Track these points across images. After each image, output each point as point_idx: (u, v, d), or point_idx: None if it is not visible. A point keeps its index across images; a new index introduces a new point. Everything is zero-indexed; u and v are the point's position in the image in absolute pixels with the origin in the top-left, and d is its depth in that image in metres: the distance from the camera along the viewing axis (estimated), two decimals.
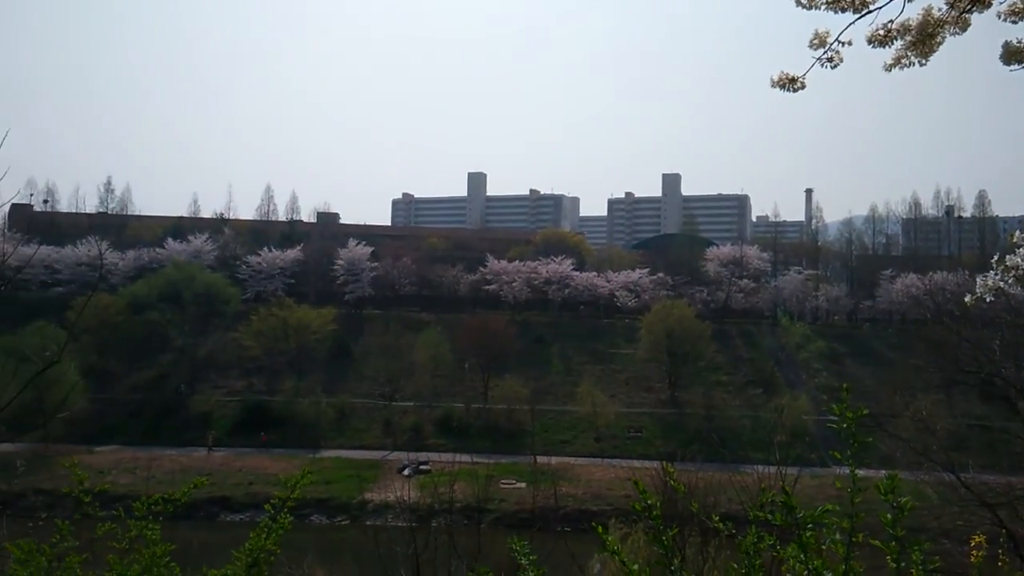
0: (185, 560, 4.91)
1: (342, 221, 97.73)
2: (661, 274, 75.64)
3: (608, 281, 75.89)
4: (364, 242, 77.52)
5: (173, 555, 4.66)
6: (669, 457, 16.50)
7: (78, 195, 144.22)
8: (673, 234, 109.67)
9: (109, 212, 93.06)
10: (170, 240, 76.40)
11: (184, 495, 5.83)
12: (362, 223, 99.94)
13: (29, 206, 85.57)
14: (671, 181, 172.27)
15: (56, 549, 5.13)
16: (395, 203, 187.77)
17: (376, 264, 75.31)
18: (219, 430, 54.32)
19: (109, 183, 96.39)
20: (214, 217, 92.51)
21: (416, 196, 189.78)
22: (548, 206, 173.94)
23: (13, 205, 69.58)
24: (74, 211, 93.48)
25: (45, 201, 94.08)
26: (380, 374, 57.49)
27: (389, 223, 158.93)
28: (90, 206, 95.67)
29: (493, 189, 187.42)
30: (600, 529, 3.72)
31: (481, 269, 76.61)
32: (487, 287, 75.59)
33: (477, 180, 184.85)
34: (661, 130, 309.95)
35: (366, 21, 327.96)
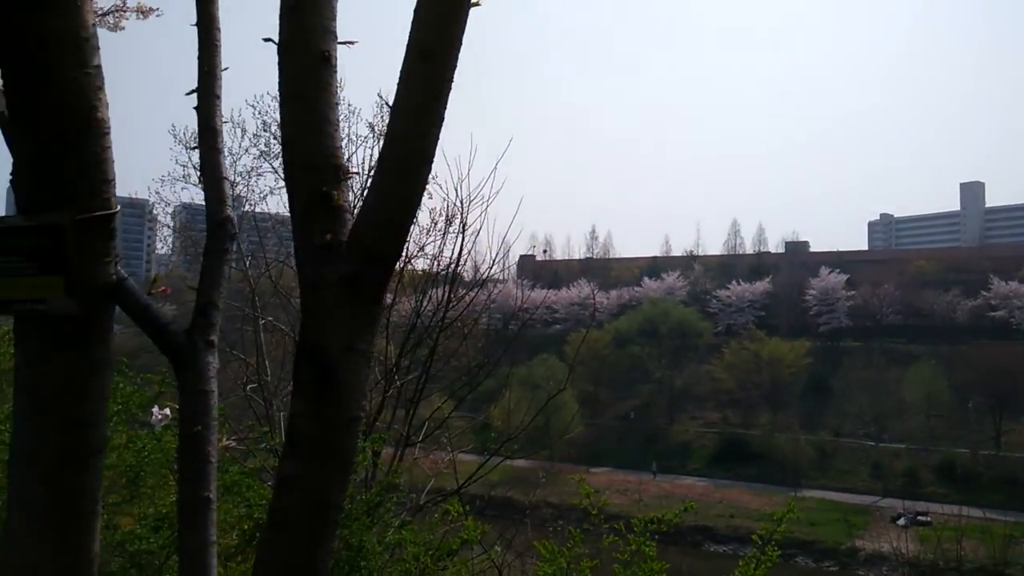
0: None
1: (812, 249, 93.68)
2: None
3: None
4: (837, 269, 73.02)
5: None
6: None
7: (569, 244, 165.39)
8: None
9: (594, 256, 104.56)
10: (646, 279, 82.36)
11: (675, 516, 6.18)
12: (834, 249, 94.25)
13: (532, 256, 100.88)
14: None
15: (572, 553, 5.88)
16: (871, 225, 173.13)
17: (852, 292, 70.22)
18: (697, 460, 56.09)
19: (593, 231, 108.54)
20: (684, 255, 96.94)
21: (896, 215, 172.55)
22: None
23: (521, 256, 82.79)
24: (566, 258, 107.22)
25: (544, 251, 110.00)
26: (864, 412, 53.09)
27: (865, 247, 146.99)
28: (579, 252, 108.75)
29: (993, 199, 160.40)
30: None
31: (983, 293, 65.90)
32: (992, 313, 64.60)
33: (972, 191, 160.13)
34: None
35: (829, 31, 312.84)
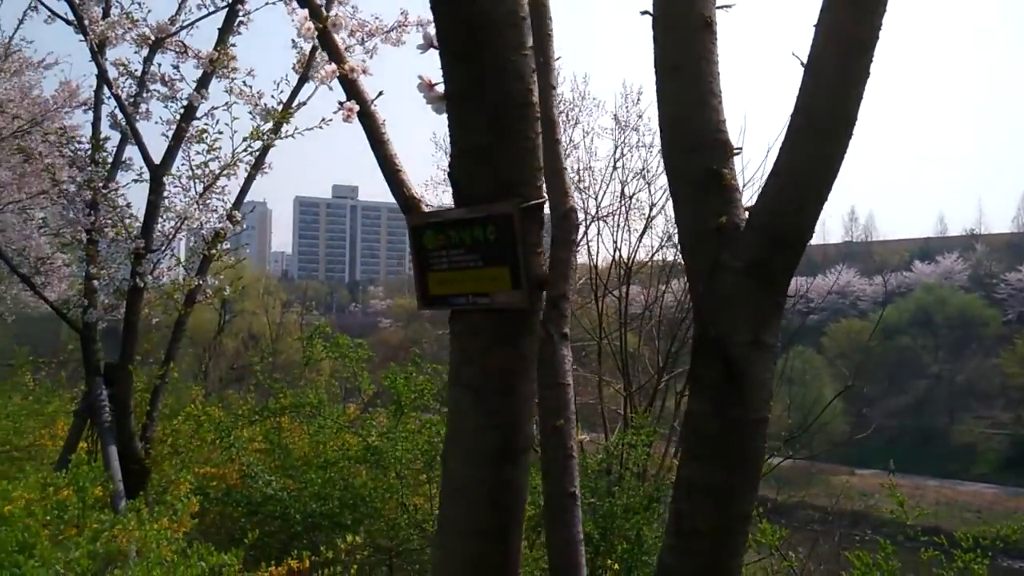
0: None
1: None
2: None
3: None
4: None
5: None
6: None
7: (824, 228, 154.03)
8: None
9: (854, 240, 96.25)
10: (917, 262, 74.34)
11: (1014, 533, 5.36)
12: None
13: None
14: None
15: (889, 567, 5.30)
16: None
17: None
18: (984, 465, 49.67)
19: (852, 212, 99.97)
20: (963, 234, 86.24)
21: None
22: None
23: None
24: (821, 243, 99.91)
25: None
26: None
27: None
28: (836, 236, 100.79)
29: None
30: None
31: None
32: None
33: None
34: None
35: None
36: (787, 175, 1.55)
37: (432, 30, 1.46)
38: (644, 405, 9.56)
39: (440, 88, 1.55)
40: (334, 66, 2.32)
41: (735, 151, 1.68)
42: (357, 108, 2.29)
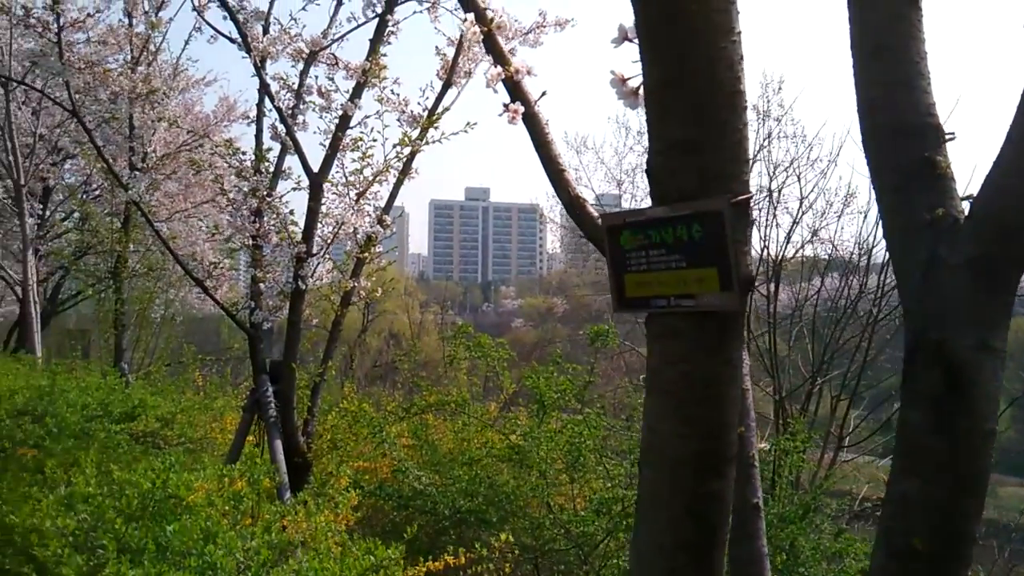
0: None
1: None
2: None
3: None
4: None
5: None
6: None
7: None
8: None
9: None
10: None
11: None
12: None
13: None
14: None
15: None
16: None
17: None
18: None
19: None
20: None
21: None
22: None
23: None
24: None
25: None
26: None
27: None
28: None
29: None
30: None
31: None
32: None
33: None
34: None
35: None
36: (1018, 158, 1.38)
37: (627, 23, 1.41)
38: (797, 409, 9.11)
39: (633, 83, 1.50)
40: (499, 68, 2.32)
41: (948, 137, 1.52)
42: (522, 110, 2.28)
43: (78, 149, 13.07)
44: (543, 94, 2.35)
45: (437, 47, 6.58)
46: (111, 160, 6.26)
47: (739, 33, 1.33)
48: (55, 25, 5.79)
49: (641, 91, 1.43)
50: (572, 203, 2.18)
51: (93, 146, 6.04)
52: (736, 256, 1.36)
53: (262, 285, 5.45)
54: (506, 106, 2.32)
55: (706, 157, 1.37)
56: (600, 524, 6.24)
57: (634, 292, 1.53)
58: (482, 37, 2.34)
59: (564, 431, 7.02)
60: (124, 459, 4.34)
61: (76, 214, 15.83)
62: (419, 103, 5.93)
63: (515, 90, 2.34)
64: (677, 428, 1.44)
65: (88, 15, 7.74)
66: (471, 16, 2.34)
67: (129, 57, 9.02)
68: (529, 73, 2.35)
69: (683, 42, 1.32)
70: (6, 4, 7.10)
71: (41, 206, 14.58)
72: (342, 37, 5.80)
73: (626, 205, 16.00)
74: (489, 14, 2.34)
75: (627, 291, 1.55)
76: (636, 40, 1.40)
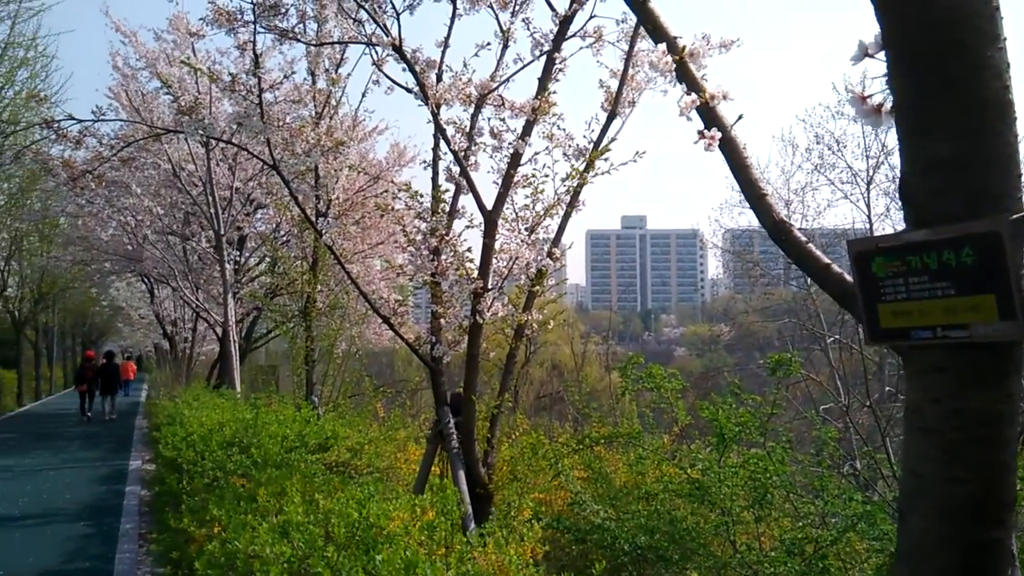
0: None
1: None
2: None
3: None
4: None
5: None
6: None
7: None
8: None
9: None
10: None
11: None
12: None
13: None
14: None
15: None
16: None
17: None
18: None
19: None
20: None
21: None
22: None
23: None
24: None
25: None
26: None
27: None
28: None
29: None
30: None
31: None
32: None
33: None
34: None
35: None
36: None
37: (869, 39, 1.32)
38: None
39: (873, 100, 1.41)
40: (693, 96, 2.28)
41: None
42: (719, 136, 2.23)
43: (269, 199, 14.29)
44: (739, 117, 2.28)
45: (601, 80, 6.62)
46: (303, 208, 6.78)
47: (1005, 40, 1.21)
48: (256, 88, 6.38)
49: (885, 108, 1.33)
50: (775, 227, 2.09)
51: (291, 196, 6.56)
52: (1018, 281, 1.22)
53: (442, 320, 5.65)
54: (701, 133, 2.28)
55: (973, 174, 1.25)
56: (793, 566, 5.88)
57: (890, 323, 1.41)
58: (674, 66, 2.31)
59: (747, 465, 6.69)
60: (325, 488, 4.60)
61: (268, 259, 17.26)
62: (584, 135, 5.98)
63: (710, 116, 2.29)
64: (947, 471, 1.30)
65: (285, 76, 8.48)
66: (662, 46, 2.31)
67: (313, 112, 9.79)
68: (725, 98, 2.29)
69: (948, 53, 1.22)
70: (214, 74, 7.92)
71: (237, 252, 16.04)
72: (509, 78, 5.97)
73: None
74: (680, 43, 2.31)
75: (881, 322, 1.43)
76: (877, 55, 1.31)
